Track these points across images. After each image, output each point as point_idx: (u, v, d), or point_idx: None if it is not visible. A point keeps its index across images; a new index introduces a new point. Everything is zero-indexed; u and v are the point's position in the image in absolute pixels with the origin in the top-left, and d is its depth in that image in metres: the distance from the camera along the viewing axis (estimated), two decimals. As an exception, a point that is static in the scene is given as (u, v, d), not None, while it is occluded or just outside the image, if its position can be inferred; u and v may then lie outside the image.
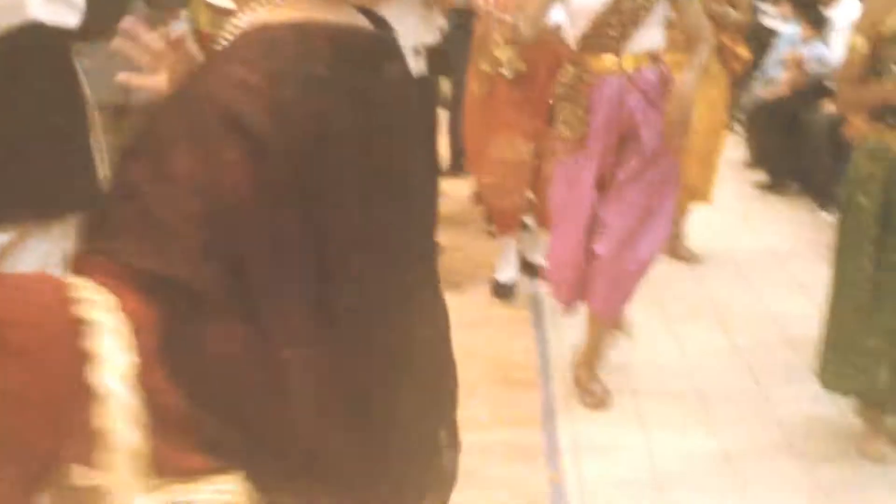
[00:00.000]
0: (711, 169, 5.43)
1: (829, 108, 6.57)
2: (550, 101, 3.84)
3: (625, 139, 3.67)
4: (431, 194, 1.48)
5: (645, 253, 3.76)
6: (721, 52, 5.18)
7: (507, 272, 4.99)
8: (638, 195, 3.72)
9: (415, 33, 4.40)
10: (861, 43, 3.31)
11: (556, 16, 3.96)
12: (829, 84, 6.74)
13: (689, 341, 4.56)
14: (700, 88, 5.08)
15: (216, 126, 1.16)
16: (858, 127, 3.75)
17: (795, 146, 6.80)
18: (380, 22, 1.37)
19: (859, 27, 3.33)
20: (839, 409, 3.82)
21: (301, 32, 1.22)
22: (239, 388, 1.22)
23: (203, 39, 4.30)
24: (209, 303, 1.17)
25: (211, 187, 1.16)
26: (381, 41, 1.34)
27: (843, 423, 3.76)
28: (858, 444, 3.63)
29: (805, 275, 5.43)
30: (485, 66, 4.66)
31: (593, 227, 3.75)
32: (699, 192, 5.42)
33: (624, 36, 3.60)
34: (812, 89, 6.86)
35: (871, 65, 3.31)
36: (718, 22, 5.05)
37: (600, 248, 3.74)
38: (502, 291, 4.95)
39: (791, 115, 6.86)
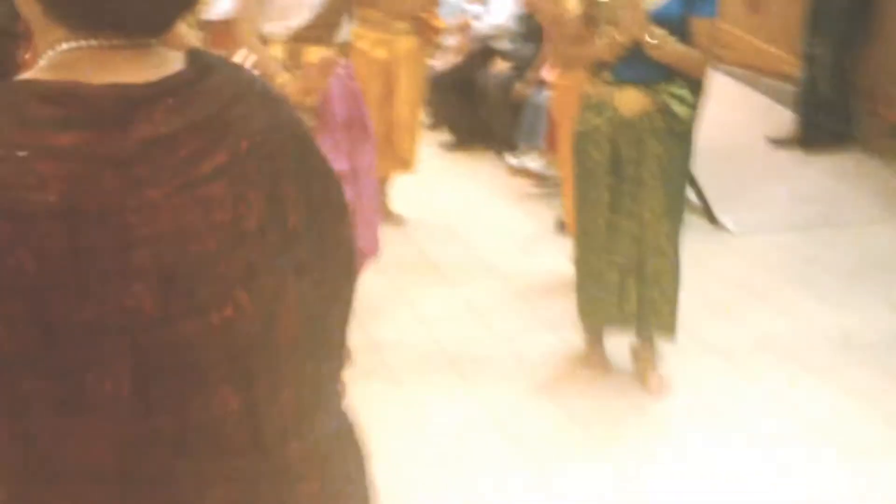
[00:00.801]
0: (415, 137, 5.68)
1: (499, 67, 7.04)
2: None
3: (351, 125, 3.81)
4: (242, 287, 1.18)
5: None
6: (418, 24, 5.42)
7: None
8: (372, 181, 3.97)
9: None
10: (573, 4, 3.55)
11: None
12: (495, 45, 7.21)
13: (420, 301, 4.79)
14: (403, 63, 5.34)
15: None
16: (566, 86, 4.13)
17: (473, 106, 7.22)
18: (207, 67, 1.21)
19: None
20: (569, 340, 4.17)
21: (4, 95, 1.09)
22: None
23: None
24: None
25: None
26: (142, 98, 1.13)
27: (576, 351, 4.14)
28: (585, 362, 4.07)
29: (507, 223, 5.83)
30: None
31: None
32: (406, 161, 5.66)
33: (337, 26, 3.72)
34: (481, 52, 7.28)
35: (585, 23, 3.56)
36: None
37: (359, 239, 3.80)
38: None
39: (466, 78, 7.26)
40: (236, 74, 1.24)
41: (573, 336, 4.13)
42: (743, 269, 5.13)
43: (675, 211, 3.71)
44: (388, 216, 5.74)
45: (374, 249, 3.99)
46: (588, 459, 3.48)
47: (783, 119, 6.82)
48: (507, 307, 4.67)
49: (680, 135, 3.62)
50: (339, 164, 3.68)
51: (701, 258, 5.14)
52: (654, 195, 3.62)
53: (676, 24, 3.45)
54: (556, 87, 4.83)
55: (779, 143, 6.63)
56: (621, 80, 3.56)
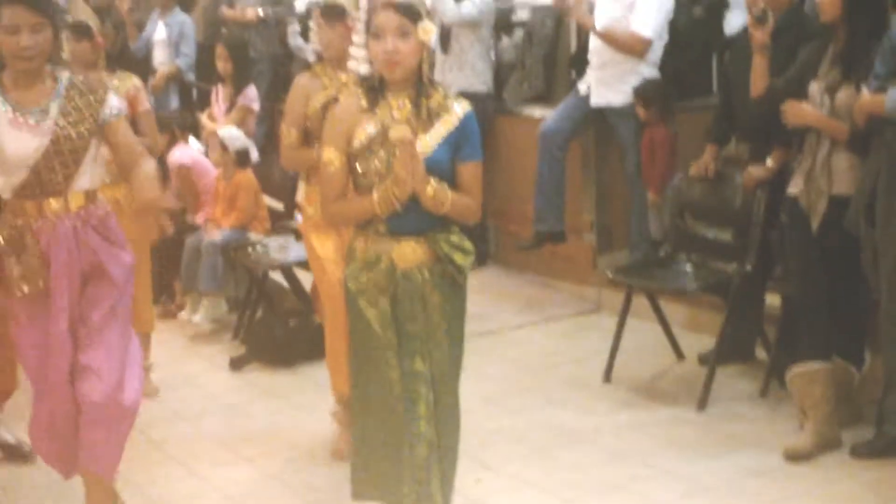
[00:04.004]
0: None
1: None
2: None
3: (87, 278, 3.67)
4: None
5: (136, 392, 3.75)
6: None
7: None
8: (118, 334, 3.71)
9: None
10: (336, 157, 3.32)
11: None
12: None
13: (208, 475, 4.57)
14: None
15: None
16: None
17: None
18: None
19: (330, 142, 3.34)
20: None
21: None
22: None
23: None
24: None
25: None
26: None
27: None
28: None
29: (191, 373, 5.88)
30: None
31: (75, 375, 3.65)
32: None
33: (68, 177, 3.60)
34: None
35: (350, 177, 3.36)
36: None
37: (94, 394, 3.62)
38: None
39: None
40: None
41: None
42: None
43: (457, 368, 3.49)
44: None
45: None
46: None
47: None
48: (260, 486, 4.47)
49: (459, 286, 3.43)
50: (59, 324, 3.58)
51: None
52: (442, 351, 3.39)
53: (446, 172, 3.30)
54: (303, 230, 4.71)
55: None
56: (396, 232, 3.32)
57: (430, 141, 3.27)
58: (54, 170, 3.57)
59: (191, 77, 8.74)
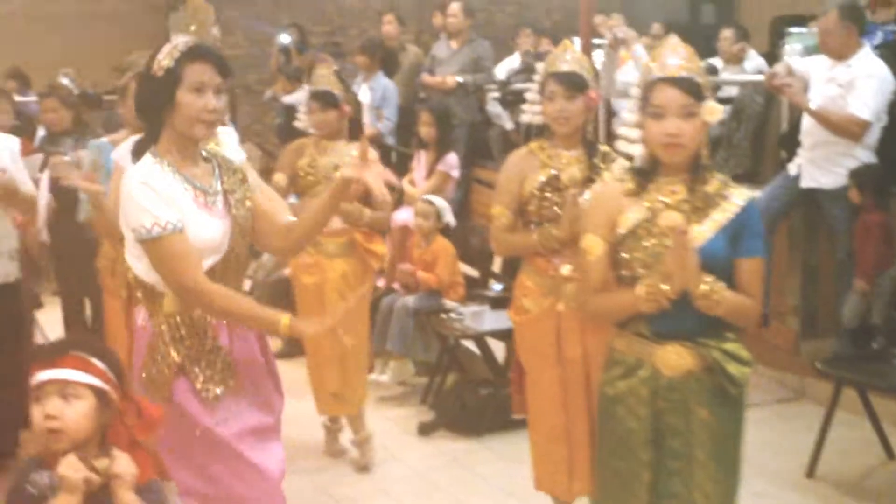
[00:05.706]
0: (348, 372, 5.26)
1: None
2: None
3: (260, 379, 3.21)
4: None
5: None
6: (356, 250, 5.15)
7: None
8: (279, 441, 3.33)
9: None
10: (597, 244, 3.01)
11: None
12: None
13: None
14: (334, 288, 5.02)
15: None
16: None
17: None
18: None
19: (590, 228, 3.04)
20: None
21: None
22: None
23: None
24: None
25: None
26: None
27: None
28: None
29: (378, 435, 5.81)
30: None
31: None
32: (340, 397, 5.30)
33: (247, 263, 3.29)
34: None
35: (614, 268, 3.04)
36: (353, 222, 4.93)
37: None
38: None
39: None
40: None
41: None
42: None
43: (729, 492, 3.05)
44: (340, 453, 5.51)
45: None
46: None
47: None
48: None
49: (734, 400, 2.99)
50: (266, 417, 3.17)
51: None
52: (706, 474, 2.96)
53: (721, 267, 2.90)
54: (517, 323, 4.06)
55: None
56: (661, 334, 2.97)
57: (704, 231, 2.92)
58: (242, 254, 3.16)
59: (391, 141, 8.86)
